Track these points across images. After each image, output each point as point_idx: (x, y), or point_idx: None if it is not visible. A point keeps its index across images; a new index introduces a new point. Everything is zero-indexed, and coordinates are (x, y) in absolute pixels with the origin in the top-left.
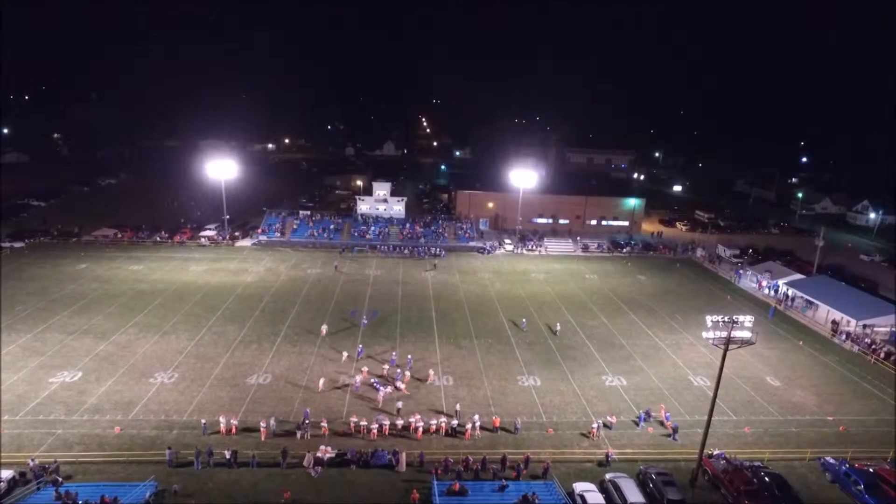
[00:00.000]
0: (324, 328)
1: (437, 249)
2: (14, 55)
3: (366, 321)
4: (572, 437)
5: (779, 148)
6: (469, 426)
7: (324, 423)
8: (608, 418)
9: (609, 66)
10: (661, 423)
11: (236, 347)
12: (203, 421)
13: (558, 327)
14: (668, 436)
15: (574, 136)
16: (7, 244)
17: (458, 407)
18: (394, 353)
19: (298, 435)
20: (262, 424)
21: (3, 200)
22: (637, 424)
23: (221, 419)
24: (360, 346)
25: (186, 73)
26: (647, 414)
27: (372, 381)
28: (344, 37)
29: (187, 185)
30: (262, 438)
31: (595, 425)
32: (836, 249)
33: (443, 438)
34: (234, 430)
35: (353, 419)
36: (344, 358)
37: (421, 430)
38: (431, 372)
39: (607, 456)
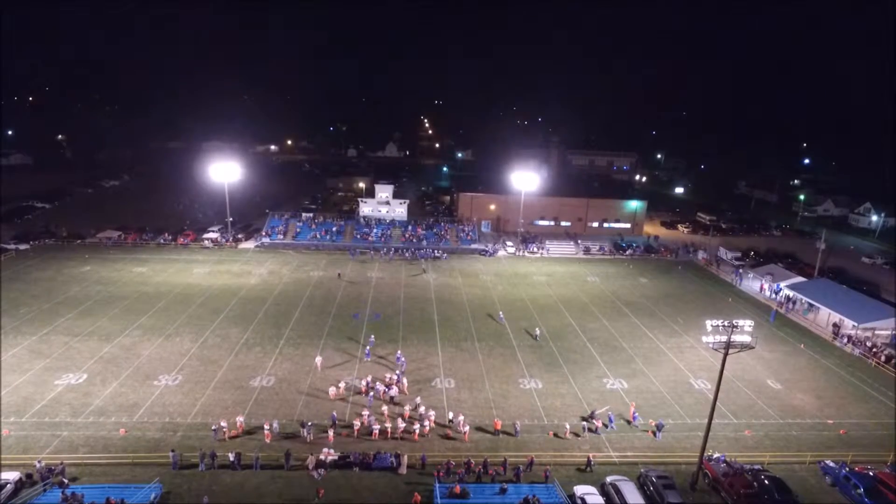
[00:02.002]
0: (318, 360)
1: (439, 252)
2: (17, 56)
3: (368, 352)
4: (573, 440)
5: (781, 150)
6: (466, 428)
7: (330, 432)
8: (594, 422)
9: (610, 67)
10: (628, 422)
11: (240, 350)
12: (213, 427)
13: (538, 332)
14: (654, 433)
15: (576, 138)
16: (12, 246)
17: (417, 400)
18: (398, 353)
19: (304, 432)
20: (266, 427)
21: (7, 202)
22: (606, 426)
23: (222, 423)
24: (367, 349)
25: (189, 75)
26: (592, 414)
27: (376, 387)
28: (346, 38)
29: (190, 187)
30: (267, 440)
31: (567, 426)
32: (837, 251)
33: (444, 441)
34: (240, 427)
35: (356, 422)
36: (341, 389)
37: (417, 432)
38: (376, 428)
39: (588, 460)
